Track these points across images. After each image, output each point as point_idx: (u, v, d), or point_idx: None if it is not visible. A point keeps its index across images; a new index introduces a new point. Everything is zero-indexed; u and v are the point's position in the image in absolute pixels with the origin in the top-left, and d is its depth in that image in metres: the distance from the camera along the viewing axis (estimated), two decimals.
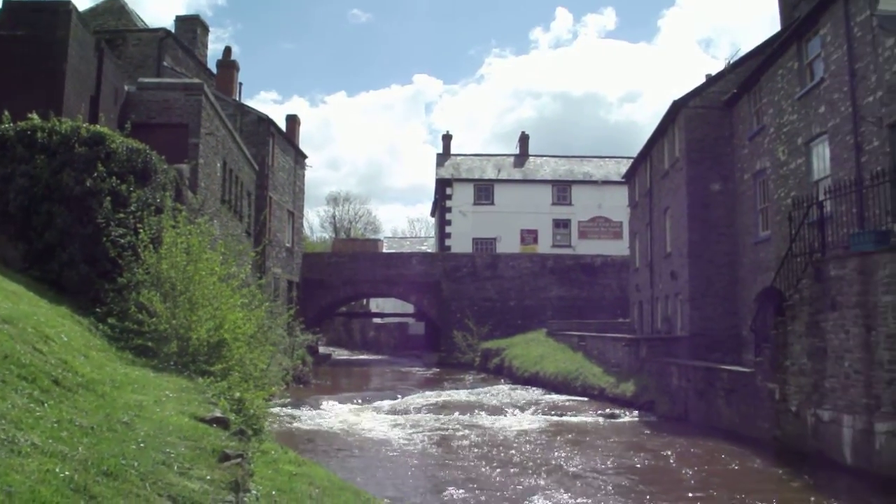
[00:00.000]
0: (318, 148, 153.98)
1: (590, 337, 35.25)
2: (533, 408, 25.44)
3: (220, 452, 7.07)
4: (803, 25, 22.55)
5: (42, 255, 13.90)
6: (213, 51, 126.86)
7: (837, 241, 17.40)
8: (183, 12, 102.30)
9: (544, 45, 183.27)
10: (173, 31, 37.39)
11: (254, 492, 7.58)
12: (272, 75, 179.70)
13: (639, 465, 16.56)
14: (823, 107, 21.31)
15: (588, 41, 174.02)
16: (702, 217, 28.74)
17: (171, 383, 9.99)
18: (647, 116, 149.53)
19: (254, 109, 39.72)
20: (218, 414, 8.71)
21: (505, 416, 24.06)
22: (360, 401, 27.09)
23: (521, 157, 64.08)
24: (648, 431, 21.18)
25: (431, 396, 28.91)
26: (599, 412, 24.33)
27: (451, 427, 21.73)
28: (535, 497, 13.40)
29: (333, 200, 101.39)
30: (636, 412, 24.18)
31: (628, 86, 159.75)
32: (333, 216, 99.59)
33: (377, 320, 71.88)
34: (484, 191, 59.56)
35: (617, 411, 24.34)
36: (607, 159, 64.50)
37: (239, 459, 7.13)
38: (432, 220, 75.02)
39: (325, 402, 26.18)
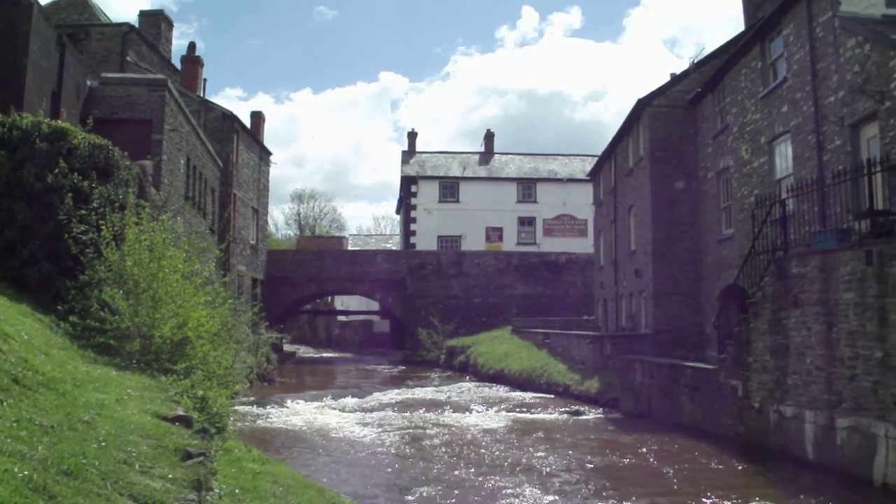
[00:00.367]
0: (284, 145, 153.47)
1: (554, 334, 35.35)
2: (498, 405, 25.45)
3: (182, 451, 6.99)
4: (767, 25, 22.74)
5: (2, 252, 13.70)
6: (178, 46, 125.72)
7: (799, 239, 17.55)
8: (147, 7, 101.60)
9: (510, 43, 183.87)
10: (137, 26, 37.03)
11: (217, 490, 7.50)
12: (237, 72, 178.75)
13: (603, 463, 16.60)
14: (786, 106, 21.50)
15: (554, 40, 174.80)
16: (666, 215, 28.91)
17: (133, 381, 9.88)
18: (612, 115, 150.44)
19: (218, 106, 39.45)
20: (180, 412, 8.62)
21: (470, 413, 24.05)
22: (324, 399, 26.95)
23: (487, 155, 64.12)
24: (613, 428, 21.25)
25: (396, 394, 28.86)
26: (564, 409, 24.37)
27: (416, 425, 21.68)
28: (501, 495, 13.40)
29: (298, 198, 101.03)
30: (600, 409, 24.25)
31: (593, 84, 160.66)
32: (298, 213, 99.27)
33: (342, 318, 71.68)
34: (449, 188, 59.54)
35: (581, 408, 24.40)
36: (572, 157, 64.71)
37: (201, 458, 7.06)
38: (397, 218, 74.93)
39: (289, 400, 26.03)
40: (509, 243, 57.72)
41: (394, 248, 66.96)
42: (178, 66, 41.52)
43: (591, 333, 32.47)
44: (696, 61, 29.97)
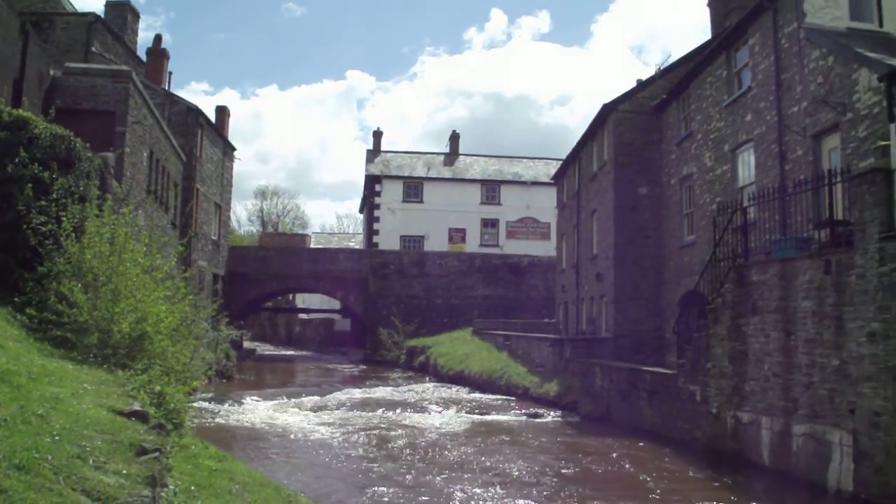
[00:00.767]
0: (248, 141, 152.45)
1: (515, 336, 35.41)
2: (457, 406, 25.45)
3: (137, 446, 6.89)
4: (733, 35, 22.95)
5: None
6: (144, 38, 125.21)
7: (760, 246, 17.71)
8: None
9: (478, 45, 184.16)
10: (103, 16, 36.53)
11: (172, 487, 7.40)
12: (204, 66, 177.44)
13: (560, 466, 16.63)
14: (750, 115, 21.70)
15: (522, 43, 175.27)
16: (628, 220, 29.06)
17: (90, 376, 9.74)
18: (577, 120, 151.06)
19: (183, 99, 39.12)
20: (137, 407, 8.51)
21: (429, 414, 24.02)
22: (284, 397, 26.80)
23: (452, 156, 64.14)
24: (571, 431, 21.32)
25: (356, 393, 28.77)
26: (523, 412, 24.41)
27: (375, 425, 21.61)
28: (457, 495, 13.38)
29: (262, 194, 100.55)
30: (559, 412, 24.31)
31: (560, 89, 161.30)
32: (261, 210, 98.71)
33: (303, 316, 71.46)
34: (413, 188, 59.47)
35: (540, 411, 24.44)
36: (537, 160, 64.89)
37: (157, 454, 6.96)
38: (361, 217, 74.70)
39: (248, 398, 25.86)
40: (472, 245, 57.78)
41: (357, 246, 66.78)
42: (144, 58, 41.07)
43: (551, 336, 32.55)
44: (662, 68, 30.16)
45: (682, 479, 15.17)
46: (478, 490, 13.71)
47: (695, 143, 25.81)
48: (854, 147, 16.28)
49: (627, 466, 16.34)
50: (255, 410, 23.57)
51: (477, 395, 29.10)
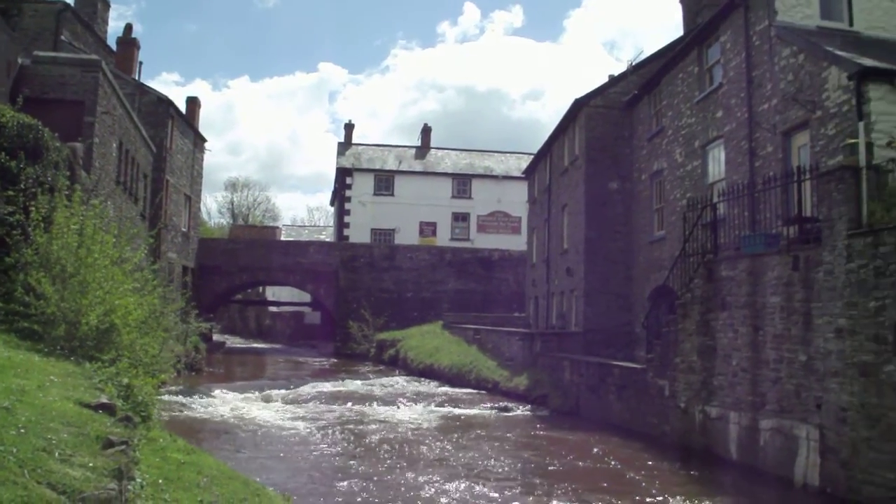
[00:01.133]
0: (219, 132, 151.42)
1: (485, 330, 35.44)
2: (427, 400, 25.43)
3: (104, 439, 6.83)
4: (704, 31, 23.06)
5: None
6: (114, 28, 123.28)
7: (729, 242, 17.83)
8: None
9: (451, 39, 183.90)
10: (73, 4, 36.16)
11: (139, 480, 7.34)
12: (175, 56, 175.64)
13: (529, 459, 16.68)
14: (721, 111, 21.82)
15: (495, 37, 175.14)
16: (599, 215, 29.14)
17: (56, 368, 9.65)
18: (549, 115, 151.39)
19: (153, 90, 38.74)
20: (104, 400, 8.44)
21: (399, 407, 23.99)
22: (253, 390, 26.67)
23: (423, 150, 64.06)
24: (540, 425, 21.37)
25: (326, 387, 28.66)
26: (493, 405, 24.44)
27: (344, 418, 21.58)
28: (426, 488, 13.39)
29: (232, 186, 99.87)
30: (529, 406, 24.36)
31: (532, 83, 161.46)
32: (232, 202, 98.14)
33: (273, 309, 71.11)
34: (384, 181, 59.35)
35: (510, 405, 24.48)
36: (508, 154, 64.93)
37: (124, 446, 6.90)
38: (332, 210, 74.52)
39: (217, 391, 25.72)
40: (443, 238, 57.73)
41: (327, 239, 66.53)
42: (114, 47, 40.65)
43: (521, 330, 32.62)
44: (633, 64, 30.27)
45: (652, 473, 15.24)
46: (446, 484, 13.71)
47: (666, 138, 25.92)
48: (823, 144, 16.41)
49: (597, 461, 16.41)
50: (225, 403, 23.44)
51: (447, 389, 29.10)
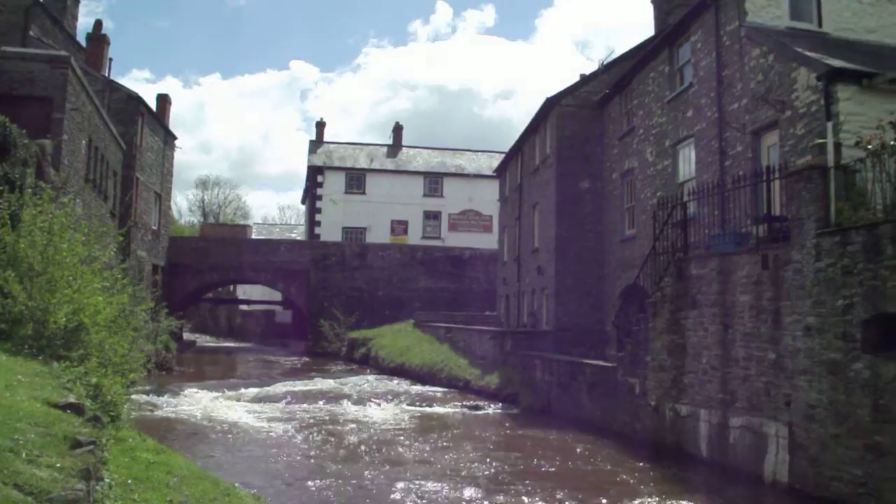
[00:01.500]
0: (190, 130, 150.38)
1: (456, 329, 35.47)
2: (398, 398, 25.42)
3: (72, 439, 6.77)
4: (675, 31, 23.19)
5: None
6: (84, 24, 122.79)
7: (699, 241, 17.92)
8: None
9: (423, 37, 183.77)
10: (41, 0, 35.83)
11: (107, 480, 7.29)
12: (145, 53, 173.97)
13: (500, 458, 16.69)
14: (691, 111, 21.95)
15: (466, 36, 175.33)
16: (570, 213, 29.23)
17: (24, 367, 9.55)
18: (521, 114, 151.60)
19: (123, 87, 38.45)
20: (72, 399, 8.36)
21: (370, 406, 23.96)
22: (224, 389, 26.56)
23: (395, 148, 64.03)
24: (511, 424, 21.41)
25: (297, 385, 28.56)
26: (464, 404, 24.46)
27: (315, 417, 21.52)
28: (396, 486, 13.37)
29: (203, 184, 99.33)
30: (500, 404, 24.40)
31: (504, 83, 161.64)
32: (203, 200, 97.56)
33: (244, 307, 70.86)
34: (356, 180, 59.25)
35: (481, 403, 24.52)
36: (480, 153, 65.05)
37: (91, 447, 6.84)
38: (303, 208, 74.27)
39: (188, 390, 25.60)
40: (414, 237, 57.74)
41: (299, 238, 66.32)
42: (84, 44, 40.28)
43: (492, 329, 32.66)
44: (605, 63, 30.36)
45: (623, 471, 15.31)
46: (417, 483, 13.70)
47: (637, 137, 26.04)
48: (792, 144, 16.56)
49: (568, 459, 16.44)
50: (195, 403, 23.32)
51: (418, 388, 29.07)
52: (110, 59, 40.72)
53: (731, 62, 19.75)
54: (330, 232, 56.71)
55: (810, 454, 12.59)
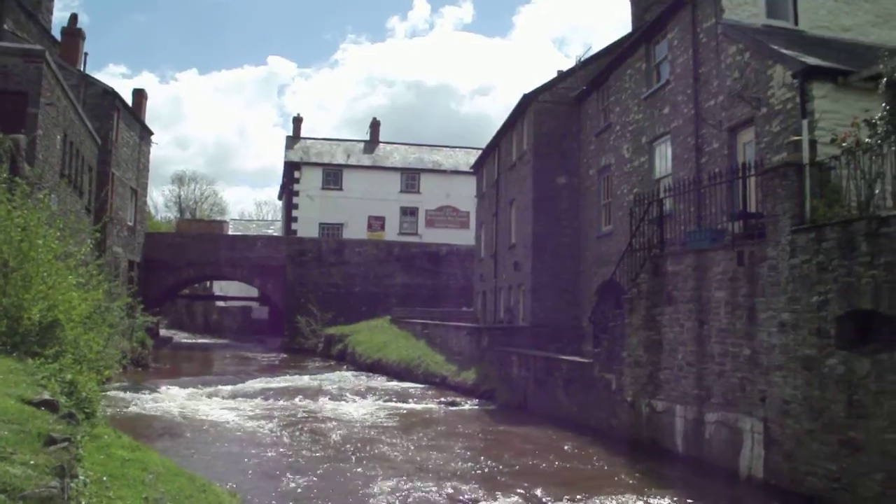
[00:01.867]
0: (166, 125, 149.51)
1: (433, 325, 35.48)
2: (375, 395, 25.40)
3: (46, 436, 6.70)
4: (652, 28, 23.26)
5: None
6: (59, 18, 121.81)
7: (676, 237, 17.96)
8: None
9: (400, 33, 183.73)
10: None
11: (82, 477, 7.22)
12: (122, 48, 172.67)
13: (477, 454, 16.67)
14: (668, 108, 22.03)
15: (444, 32, 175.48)
16: (546, 210, 29.27)
17: None
18: (498, 110, 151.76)
19: (99, 81, 38.20)
20: (46, 396, 8.28)
21: (347, 402, 23.93)
22: (200, 385, 26.44)
23: (372, 144, 63.93)
24: (488, 420, 21.42)
25: (273, 382, 28.51)
26: (441, 400, 24.47)
27: (291, 413, 21.47)
28: (373, 482, 13.35)
29: (179, 180, 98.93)
30: (477, 400, 24.43)
31: (481, 79, 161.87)
32: (179, 196, 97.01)
33: (221, 303, 70.61)
34: (333, 176, 59.12)
35: (458, 399, 24.54)
36: (457, 149, 65.07)
37: (66, 444, 6.78)
38: (280, 204, 74.04)
39: (164, 387, 25.47)
40: (391, 233, 57.72)
41: (275, 234, 66.10)
42: (59, 38, 39.96)
43: (469, 325, 32.69)
44: (582, 60, 30.43)
45: (599, 467, 15.36)
46: (393, 479, 13.67)
47: (613, 134, 26.11)
48: (768, 141, 16.66)
49: (545, 455, 16.45)
50: (171, 399, 23.21)
51: (395, 384, 29.08)
52: (86, 54, 40.44)
53: (708, 59, 19.83)
54: (307, 228, 56.53)
55: (785, 449, 12.66)
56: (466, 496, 12.66)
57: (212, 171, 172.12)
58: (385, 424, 20.16)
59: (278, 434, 18.37)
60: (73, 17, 41.18)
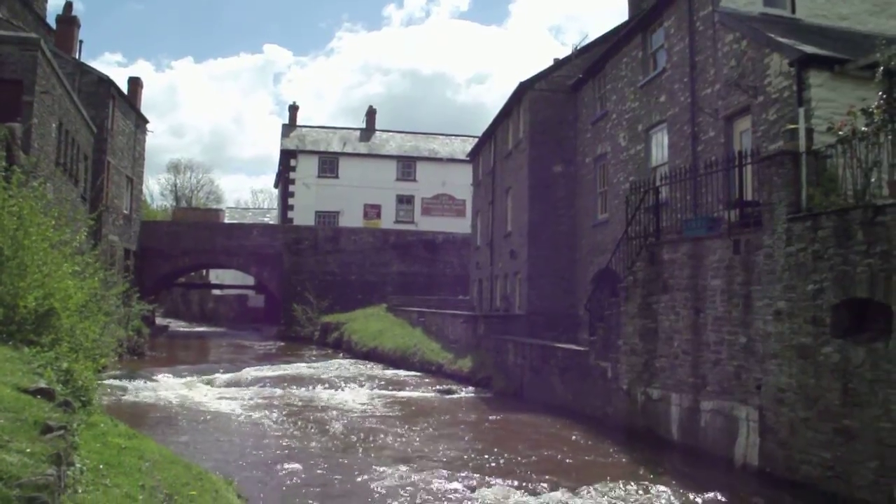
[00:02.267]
0: (162, 114, 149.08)
1: (429, 313, 35.50)
2: (371, 383, 25.41)
3: (42, 424, 6.70)
4: (649, 16, 23.22)
5: None
6: (54, 6, 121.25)
7: (672, 226, 17.98)
8: None
9: (396, 21, 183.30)
10: None
11: (78, 465, 7.22)
12: (117, 36, 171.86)
13: (472, 441, 16.73)
14: (664, 96, 22.01)
15: (440, 21, 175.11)
16: (542, 198, 29.26)
17: None
18: (494, 99, 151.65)
19: (94, 69, 38.08)
20: (42, 385, 8.26)
21: (343, 390, 23.95)
22: (196, 374, 26.46)
23: (368, 132, 63.80)
24: (484, 408, 21.45)
25: (269, 370, 28.51)
26: (437, 388, 24.50)
27: (287, 402, 21.49)
28: (369, 470, 13.37)
29: (175, 168, 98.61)
30: (473, 388, 24.47)
31: (477, 67, 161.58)
32: (175, 185, 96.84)
33: (217, 292, 70.56)
34: (328, 164, 59.01)
35: (454, 387, 24.57)
36: (453, 137, 64.96)
37: (62, 432, 6.77)
38: (276, 192, 73.95)
39: (160, 375, 25.49)
40: (387, 221, 57.67)
41: (271, 222, 66.02)
42: (54, 25, 39.82)
43: (465, 313, 32.69)
44: (578, 48, 30.36)
45: (594, 455, 15.39)
46: (388, 467, 13.70)
47: (610, 122, 26.09)
48: (764, 130, 16.65)
49: (540, 443, 16.49)
50: (167, 388, 23.24)
51: (391, 372, 29.11)
52: (81, 42, 40.35)
53: (705, 48, 19.81)
54: (303, 216, 56.46)
55: (780, 437, 12.70)
56: (461, 483, 12.68)
57: (208, 160, 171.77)
58: (382, 413, 20.18)
59: (274, 423, 18.38)
60: (68, 5, 40.92)
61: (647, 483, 12.79)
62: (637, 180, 21.66)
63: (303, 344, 43.19)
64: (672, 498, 11.97)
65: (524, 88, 30.43)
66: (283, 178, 59.53)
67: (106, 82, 37.53)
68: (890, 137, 11.58)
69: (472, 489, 12.37)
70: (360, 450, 15.27)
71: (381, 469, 13.51)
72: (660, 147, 22.59)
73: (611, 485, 12.62)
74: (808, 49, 15.60)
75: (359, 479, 12.85)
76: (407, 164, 60.20)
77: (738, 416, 13.81)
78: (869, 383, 10.92)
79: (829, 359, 11.70)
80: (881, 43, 13.22)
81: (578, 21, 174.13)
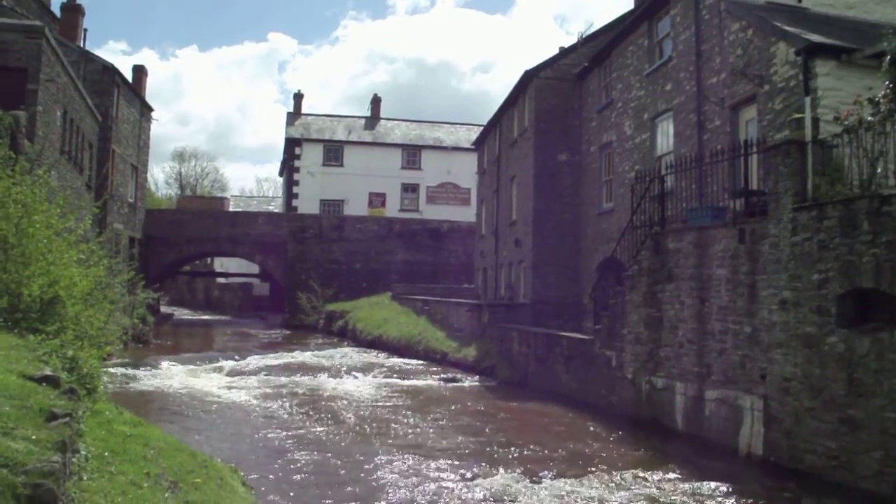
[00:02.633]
0: (167, 102, 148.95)
1: (434, 301, 35.49)
2: (375, 371, 25.45)
3: (47, 412, 6.71)
4: (655, 5, 23.14)
5: None
6: None
7: (677, 215, 17.95)
8: None
9: (401, 10, 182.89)
10: None
11: (83, 452, 7.25)
12: (121, 24, 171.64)
13: (478, 430, 16.73)
14: (670, 84, 21.94)
15: (445, 9, 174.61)
16: (548, 186, 29.22)
17: None
18: (499, 87, 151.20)
19: (99, 57, 38.03)
20: (48, 372, 8.29)
21: (347, 378, 23.99)
22: (201, 362, 26.53)
23: (373, 120, 63.69)
24: (489, 396, 21.48)
25: (274, 358, 28.54)
26: (441, 376, 24.52)
27: (293, 390, 21.51)
28: (374, 458, 13.40)
29: (180, 156, 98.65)
30: (477, 377, 24.49)
31: (482, 56, 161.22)
32: (180, 173, 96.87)
33: (221, 280, 70.65)
34: (333, 152, 58.93)
35: (459, 376, 24.59)
36: (458, 126, 64.84)
37: (67, 419, 6.78)
38: (281, 180, 73.90)
39: (165, 363, 25.55)
40: (392, 209, 57.61)
41: (276, 210, 66.02)
42: (58, 14, 39.78)
43: (469, 301, 32.69)
44: (584, 36, 30.23)
45: (599, 443, 15.39)
46: (393, 455, 13.72)
47: (615, 111, 26.03)
48: (770, 119, 16.59)
49: (545, 432, 16.52)
50: (172, 375, 23.28)
51: (395, 360, 29.15)
52: (85, 30, 40.32)
53: (711, 36, 19.73)
54: (308, 204, 56.42)
55: (785, 427, 12.70)
56: (467, 471, 12.70)
57: (212, 148, 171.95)
58: (386, 401, 20.20)
59: (279, 411, 18.42)
60: None
61: (651, 472, 12.80)
62: (642, 169, 21.62)
63: (307, 332, 43.24)
64: (676, 487, 11.98)
65: (529, 77, 30.36)
66: (288, 167, 59.48)
67: (110, 70, 37.52)
68: None
69: (478, 476, 12.38)
70: (367, 438, 15.28)
71: (388, 458, 13.53)
72: (665, 136, 22.54)
73: (615, 473, 12.63)
74: (815, 38, 15.52)
75: (364, 468, 12.87)
76: (412, 153, 60.11)
77: (743, 406, 13.82)
78: (874, 373, 10.92)
79: (834, 349, 11.69)
80: (888, 32, 13.14)
81: (584, 9, 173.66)
